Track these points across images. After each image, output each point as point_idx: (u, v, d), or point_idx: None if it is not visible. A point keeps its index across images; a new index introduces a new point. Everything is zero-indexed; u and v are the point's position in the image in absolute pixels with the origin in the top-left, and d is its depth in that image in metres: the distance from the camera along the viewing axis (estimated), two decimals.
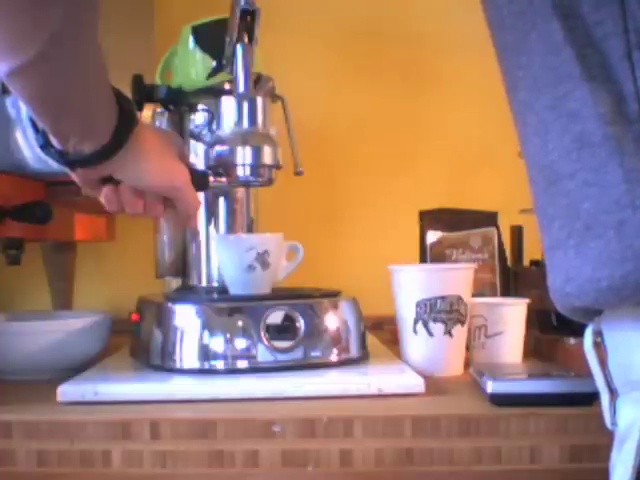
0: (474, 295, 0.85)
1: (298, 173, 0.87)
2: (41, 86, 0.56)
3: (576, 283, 0.48)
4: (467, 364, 0.83)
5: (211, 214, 0.92)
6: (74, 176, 0.67)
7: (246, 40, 0.79)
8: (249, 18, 0.78)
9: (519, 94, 0.54)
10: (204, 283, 0.92)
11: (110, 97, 0.61)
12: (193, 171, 0.75)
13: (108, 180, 0.67)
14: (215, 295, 0.87)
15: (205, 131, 0.89)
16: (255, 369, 0.75)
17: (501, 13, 0.53)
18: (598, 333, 0.51)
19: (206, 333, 0.76)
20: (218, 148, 0.84)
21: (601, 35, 0.47)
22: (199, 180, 0.75)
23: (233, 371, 0.76)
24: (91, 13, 0.55)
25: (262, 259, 0.82)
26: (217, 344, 0.76)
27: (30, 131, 0.65)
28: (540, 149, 0.51)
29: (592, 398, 0.66)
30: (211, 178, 0.80)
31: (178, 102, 0.90)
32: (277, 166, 0.85)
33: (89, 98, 0.60)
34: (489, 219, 1.03)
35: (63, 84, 0.57)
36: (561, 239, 0.50)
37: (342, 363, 0.79)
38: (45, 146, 0.62)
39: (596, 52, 0.47)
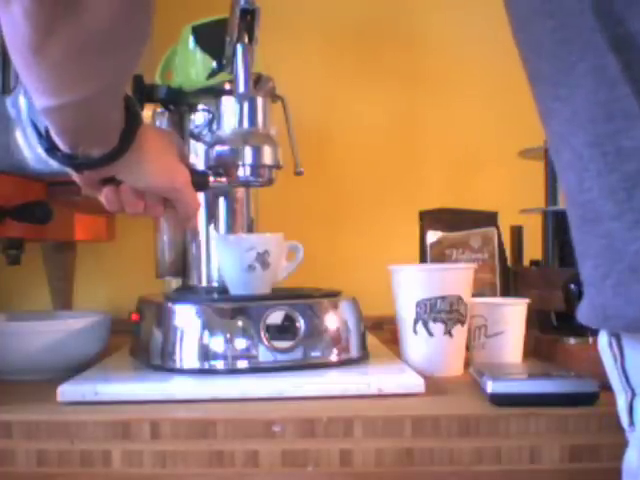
0: (474, 295, 0.85)
1: (298, 173, 0.87)
2: (75, 120, 0.58)
3: (622, 322, 0.46)
4: (467, 364, 0.83)
5: (211, 214, 0.92)
6: (76, 177, 0.67)
7: (246, 40, 0.79)
8: (249, 17, 0.78)
9: (553, 124, 0.51)
10: (204, 283, 0.92)
11: (121, 104, 0.61)
12: (193, 171, 0.75)
13: (109, 180, 0.67)
14: (215, 295, 0.87)
15: (205, 131, 0.89)
16: (255, 369, 0.75)
17: (540, 39, 0.50)
18: (614, 334, 0.50)
19: (206, 333, 0.76)
20: (218, 148, 0.84)
21: None
22: (199, 180, 0.75)
23: (233, 371, 0.75)
24: (137, 60, 0.56)
25: (262, 259, 0.82)
26: (217, 344, 0.76)
27: (30, 131, 0.65)
28: (575, 186, 0.48)
29: (592, 398, 0.66)
30: (211, 178, 0.80)
31: (178, 102, 0.90)
32: (277, 166, 0.85)
33: (110, 114, 0.61)
34: (489, 219, 1.03)
35: (94, 116, 0.58)
36: (595, 277, 0.48)
37: (342, 363, 0.79)
38: (50, 149, 0.62)
39: None
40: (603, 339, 0.51)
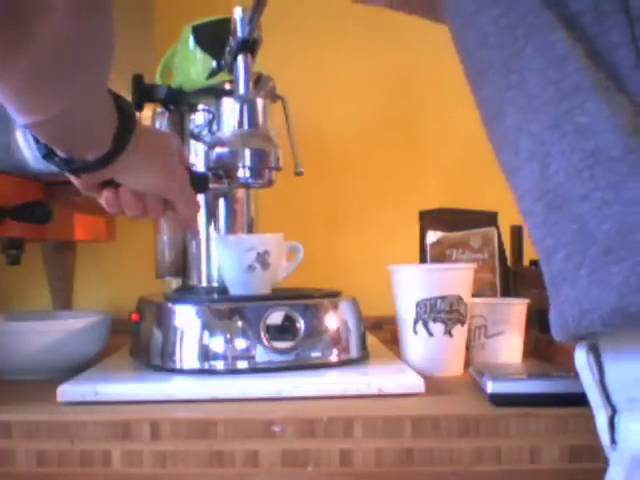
0: (474, 295, 0.85)
1: (298, 173, 0.87)
2: (57, 132, 0.58)
3: (598, 314, 0.44)
4: (467, 364, 0.83)
5: (211, 214, 0.92)
6: (75, 181, 0.67)
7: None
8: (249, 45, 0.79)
9: (507, 119, 0.49)
10: (204, 283, 0.92)
11: (112, 107, 0.61)
12: (192, 173, 0.74)
13: (108, 183, 0.67)
14: (215, 295, 0.87)
15: (205, 131, 0.89)
16: (255, 369, 0.75)
17: (483, 32, 0.50)
18: (592, 349, 0.48)
19: (206, 333, 0.76)
20: (218, 150, 0.84)
21: (606, 46, 0.44)
22: (198, 182, 0.75)
23: (233, 371, 0.75)
24: (107, 65, 0.55)
25: (262, 259, 0.82)
26: (217, 344, 0.76)
27: (30, 137, 0.65)
28: (539, 175, 0.47)
29: None
30: (210, 180, 0.80)
31: (178, 102, 0.90)
32: (277, 168, 0.86)
33: (97, 120, 0.60)
34: (489, 219, 1.03)
35: (80, 123, 0.58)
36: (567, 270, 0.46)
37: (342, 363, 0.79)
38: (48, 155, 0.62)
39: (603, 63, 0.44)
40: (581, 356, 0.49)
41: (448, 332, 0.81)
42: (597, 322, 0.44)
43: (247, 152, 0.83)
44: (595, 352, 0.48)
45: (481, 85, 0.52)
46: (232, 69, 0.82)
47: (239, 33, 0.78)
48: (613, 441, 0.48)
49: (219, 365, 0.76)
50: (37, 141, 0.62)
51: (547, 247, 0.48)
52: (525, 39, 0.47)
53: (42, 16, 0.46)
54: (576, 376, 0.68)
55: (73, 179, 0.66)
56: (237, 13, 0.79)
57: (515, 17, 0.47)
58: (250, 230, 0.93)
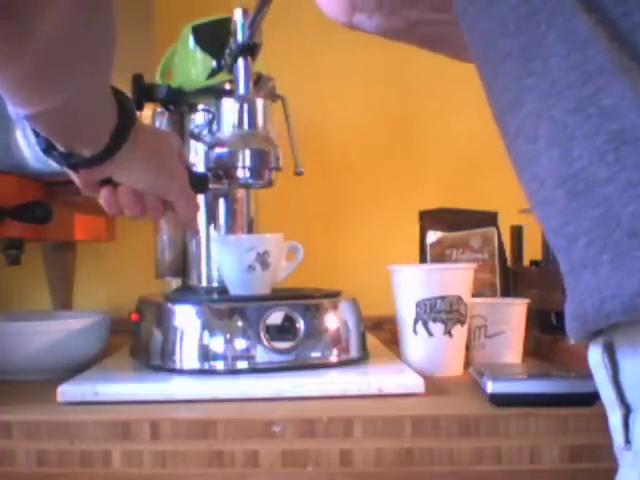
0: (474, 295, 0.85)
1: (298, 173, 0.87)
2: (55, 124, 0.58)
3: (619, 301, 0.42)
4: (467, 364, 0.83)
5: (211, 214, 0.92)
6: (75, 178, 0.67)
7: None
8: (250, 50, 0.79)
9: (525, 107, 0.49)
10: (204, 283, 0.92)
11: (112, 102, 0.61)
12: (192, 173, 0.74)
13: (108, 182, 0.67)
14: (215, 295, 0.87)
15: (205, 131, 0.89)
16: (255, 369, 0.75)
17: (502, 22, 0.49)
18: (608, 346, 0.47)
19: (206, 333, 0.76)
20: (218, 150, 0.84)
21: (629, 26, 0.43)
22: (198, 182, 0.75)
23: (233, 371, 0.75)
24: (109, 60, 0.56)
25: (262, 259, 0.82)
26: (217, 344, 0.76)
27: (29, 131, 0.65)
28: (560, 160, 0.46)
29: (592, 398, 0.66)
30: (210, 180, 0.80)
31: (178, 102, 0.90)
32: (277, 168, 0.85)
33: (96, 114, 0.60)
34: (489, 219, 1.03)
35: (79, 116, 0.58)
36: (588, 258, 0.44)
37: (342, 363, 0.79)
38: (47, 149, 0.62)
39: (625, 44, 0.43)
40: (595, 354, 0.48)
41: (448, 332, 0.81)
42: (618, 309, 0.43)
43: (247, 152, 0.83)
44: (610, 350, 0.47)
45: (496, 76, 0.52)
46: (232, 69, 0.82)
47: (239, 37, 0.78)
48: (627, 441, 0.47)
49: (219, 365, 0.76)
50: (37, 135, 0.62)
51: (567, 235, 0.47)
52: (547, 25, 0.46)
53: (45, 9, 0.47)
54: (576, 376, 0.69)
55: (73, 176, 0.67)
56: (237, 15, 0.80)
57: (536, 3, 0.47)
58: (250, 230, 0.93)
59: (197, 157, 0.90)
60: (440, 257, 1.03)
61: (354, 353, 0.81)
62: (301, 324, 0.77)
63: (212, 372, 0.76)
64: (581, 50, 0.45)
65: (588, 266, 0.45)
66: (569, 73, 0.45)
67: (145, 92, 0.87)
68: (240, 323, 0.76)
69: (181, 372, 0.76)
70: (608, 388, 0.48)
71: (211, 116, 0.88)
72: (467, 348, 0.85)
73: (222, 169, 0.84)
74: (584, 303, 0.46)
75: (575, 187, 0.45)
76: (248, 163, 0.83)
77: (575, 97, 0.45)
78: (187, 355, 0.77)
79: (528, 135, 0.49)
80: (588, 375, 0.67)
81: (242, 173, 0.83)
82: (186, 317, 0.78)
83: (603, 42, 0.44)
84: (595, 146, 0.44)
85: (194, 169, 0.81)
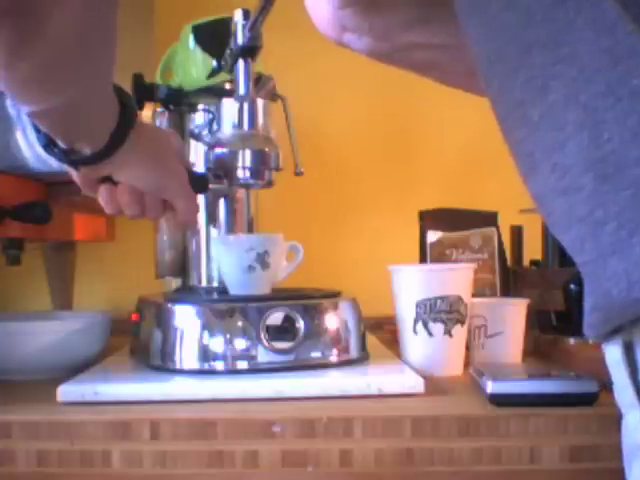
0: (474, 295, 0.85)
1: (298, 173, 0.87)
2: (58, 122, 0.58)
3: None
4: (467, 364, 0.83)
5: (211, 214, 0.92)
6: (74, 176, 0.67)
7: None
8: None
9: (552, 95, 0.48)
10: (204, 283, 0.92)
11: (114, 101, 0.62)
12: (192, 173, 0.74)
13: (107, 181, 0.67)
14: (215, 295, 0.87)
15: (205, 131, 0.89)
16: (255, 370, 0.75)
17: (529, 12, 0.49)
18: (628, 345, 0.46)
19: (206, 333, 0.76)
20: (218, 150, 0.84)
21: None
22: (198, 182, 0.75)
23: (233, 372, 0.75)
24: (112, 59, 0.56)
25: (262, 259, 0.82)
26: (217, 345, 0.76)
27: (30, 129, 0.66)
28: (589, 144, 0.45)
29: (592, 398, 0.66)
30: (210, 180, 0.80)
31: (178, 102, 0.90)
32: (277, 168, 0.85)
33: (98, 111, 0.61)
34: (489, 219, 1.03)
35: (82, 114, 0.58)
36: (617, 242, 0.44)
37: (342, 364, 0.79)
38: (48, 146, 0.62)
39: None
40: (614, 353, 0.47)
41: (448, 332, 0.81)
42: None
43: (247, 152, 0.83)
44: (629, 348, 0.46)
45: (518, 68, 0.51)
46: (232, 70, 0.82)
47: (240, 38, 0.78)
48: None
49: (219, 365, 0.76)
50: (38, 131, 0.62)
51: (595, 220, 0.46)
52: (575, 11, 0.46)
53: (55, 6, 0.47)
54: (576, 376, 0.69)
55: (73, 174, 0.67)
56: (238, 16, 0.80)
57: None
58: (250, 230, 0.93)
59: (197, 157, 0.90)
60: (440, 257, 1.03)
61: (354, 353, 0.81)
62: (301, 324, 0.77)
63: (212, 372, 0.76)
64: (610, 33, 0.44)
65: (617, 251, 0.44)
66: (598, 57, 0.45)
67: (145, 92, 0.87)
68: (240, 323, 0.76)
69: (181, 372, 0.76)
70: (627, 387, 0.47)
71: (211, 116, 0.88)
72: (467, 348, 0.85)
73: (222, 169, 0.84)
74: (610, 290, 0.44)
75: (604, 171, 0.45)
76: (248, 163, 0.83)
77: (605, 80, 0.45)
78: (187, 355, 0.77)
79: (554, 123, 0.48)
80: (588, 375, 0.68)
81: (242, 173, 0.83)
82: (186, 317, 0.78)
83: (630, 23, 0.43)
84: (626, 127, 0.43)
85: (194, 169, 0.81)
